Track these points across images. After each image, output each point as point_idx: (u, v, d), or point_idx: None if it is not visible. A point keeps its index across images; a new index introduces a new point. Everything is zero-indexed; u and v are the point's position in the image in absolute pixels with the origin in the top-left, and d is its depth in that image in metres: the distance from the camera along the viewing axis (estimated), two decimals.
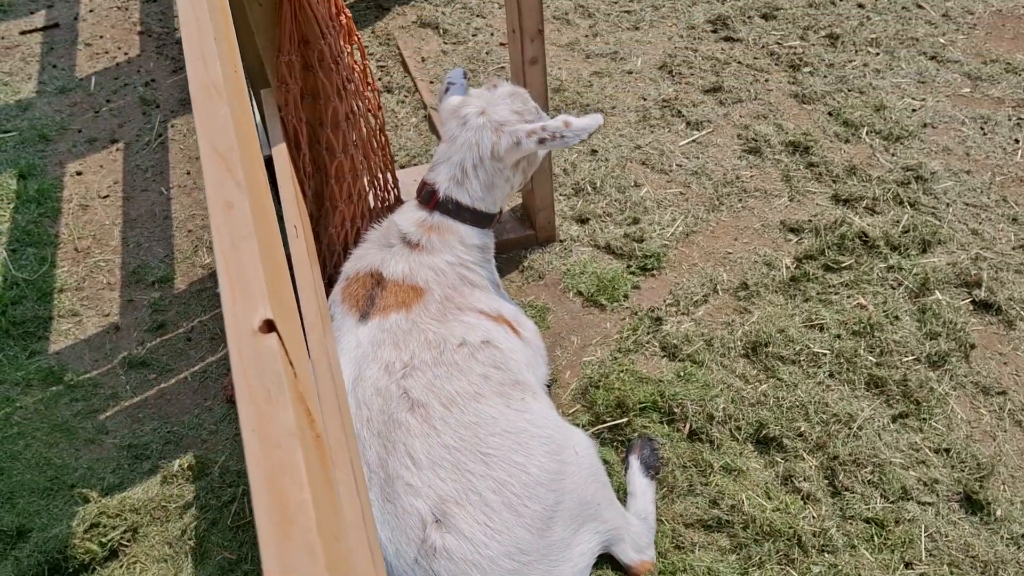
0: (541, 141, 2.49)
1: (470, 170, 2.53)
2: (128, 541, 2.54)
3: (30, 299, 3.29)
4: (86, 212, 3.68)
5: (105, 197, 3.75)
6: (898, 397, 2.75)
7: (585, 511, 2.21)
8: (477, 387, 2.19)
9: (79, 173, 3.88)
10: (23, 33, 4.80)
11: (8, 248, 3.49)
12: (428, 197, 2.53)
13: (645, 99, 3.98)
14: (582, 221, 3.43)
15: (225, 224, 0.85)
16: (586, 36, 4.39)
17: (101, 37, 4.75)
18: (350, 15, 2.60)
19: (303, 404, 0.78)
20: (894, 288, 3.07)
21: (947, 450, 2.61)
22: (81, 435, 2.84)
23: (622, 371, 2.86)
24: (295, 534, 0.62)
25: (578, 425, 2.73)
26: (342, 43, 2.52)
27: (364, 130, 2.69)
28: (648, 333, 3.01)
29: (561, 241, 3.35)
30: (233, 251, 0.82)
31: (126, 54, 4.62)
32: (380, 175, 2.84)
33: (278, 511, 0.64)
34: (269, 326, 0.77)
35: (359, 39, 2.65)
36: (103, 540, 2.51)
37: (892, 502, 2.50)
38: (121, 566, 2.49)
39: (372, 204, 2.82)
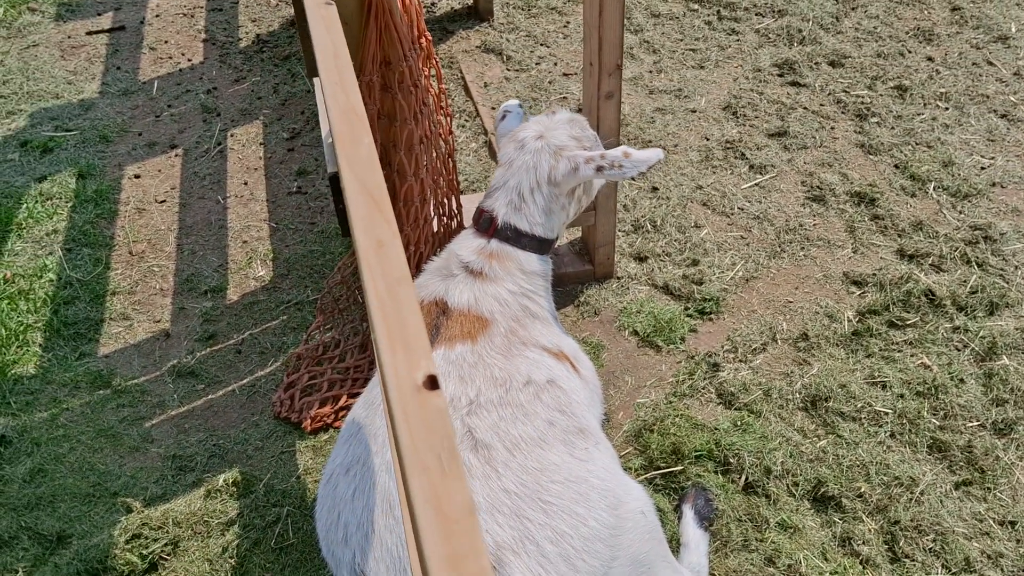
0: (599, 169, 2.46)
1: (527, 195, 2.49)
2: (168, 555, 2.50)
3: (83, 300, 3.28)
4: (142, 216, 3.68)
5: (162, 202, 3.75)
6: (962, 463, 2.67)
7: (638, 569, 2.15)
8: (542, 433, 2.14)
9: (137, 176, 3.89)
10: (89, 33, 4.85)
11: (64, 247, 3.50)
12: (487, 224, 2.50)
13: (708, 139, 3.93)
14: (640, 259, 3.38)
15: (379, 265, 0.81)
16: (650, 72, 4.36)
17: (166, 42, 4.79)
18: (430, 38, 2.59)
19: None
20: (959, 350, 2.99)
21: (1012, 523, 2.52)
22: (126, 442, 2.81)
23: (677, 416, 2.80)
24: None
25: (630, 469, 2.67)
26: (421, 66, 2.50)
27: (435, 154, 2.67)
28: (705, 379, 2.95)
29: (619, 278, 3.30)
30: (390, 296, 0.78)
31: (189, 60, 4.64)
32: (446, 200, 2.80)
33: None
34: (433, 382, 0.72)
35: (437, 62, 2.63)
36: (144, 552, 2.48)
37: (954, 573, 2.41)
38: None
39: (436, 229, 2.79)
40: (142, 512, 2.57)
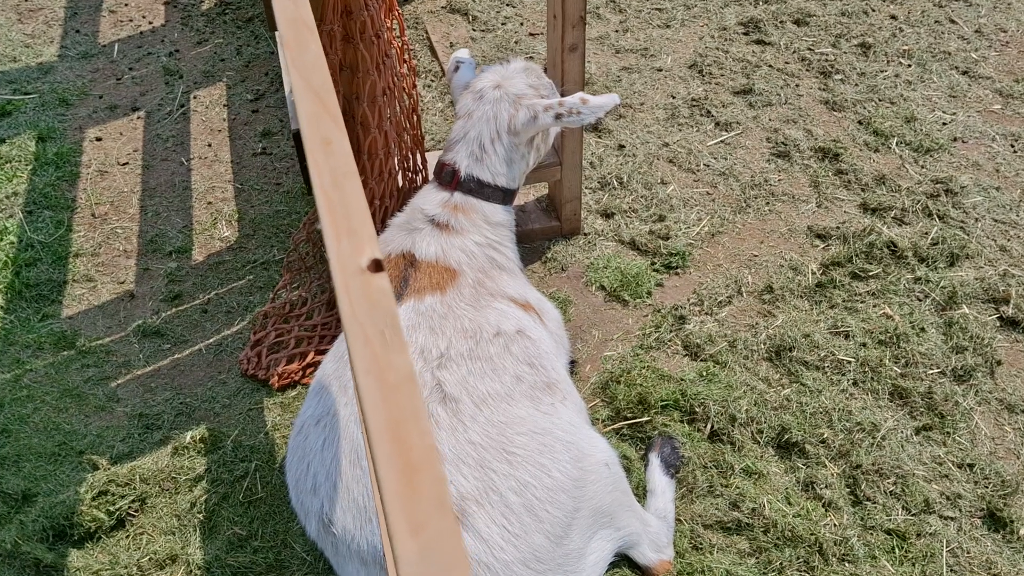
0: (558, 116, 2.48)
1: (488, 145, 2.50)
2: (136, 511, 2.49)
3: (44, 262, 3.24)
4: (104, 178, 3.63)
5: (124, 164, 3.70)
6: (922, 409, 2.72)
7: (600, 519, 2.17)
8: (509, 389, 2.15)
9: (99, 139, 3.83)
10: None
11: (24, 210, 3.45)
12: (449, 177, 2.50)
13: (674, 97, 3.94)
14: (607, 215, 3.39)
15: (325, 161, 0.81)
16: (616, 31, 4.35)
17: (126, 5, 4.70)
18: None
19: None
20: (921, 300, 3.03)
21: (971, 465, 2.57)
22: (91, 402, 2.79)
23: (644, 368, 2.82)
24: (423, 484, 0.58)
25: (598, 420, 2.69)
26: (383, 17, 2.48)
27: (398, 108, 2.65)
28: (671, 331, 2.97)
29: (586, 234, 3.31)
30: (336, 189, 0.77)
31: (151, 23, 4.57)
32: (410, 155, 2.79)
33: (402, 459, 0.59)
34: (377, 266, 0.72)
35: (400, 14, 2.61)
36: (111, 508, 2.47)
37: (914, 515, 2.46)
38: (127, 536, 2.45)
39: (401, 184, 2.78)
40: (108, 469, 2.56)
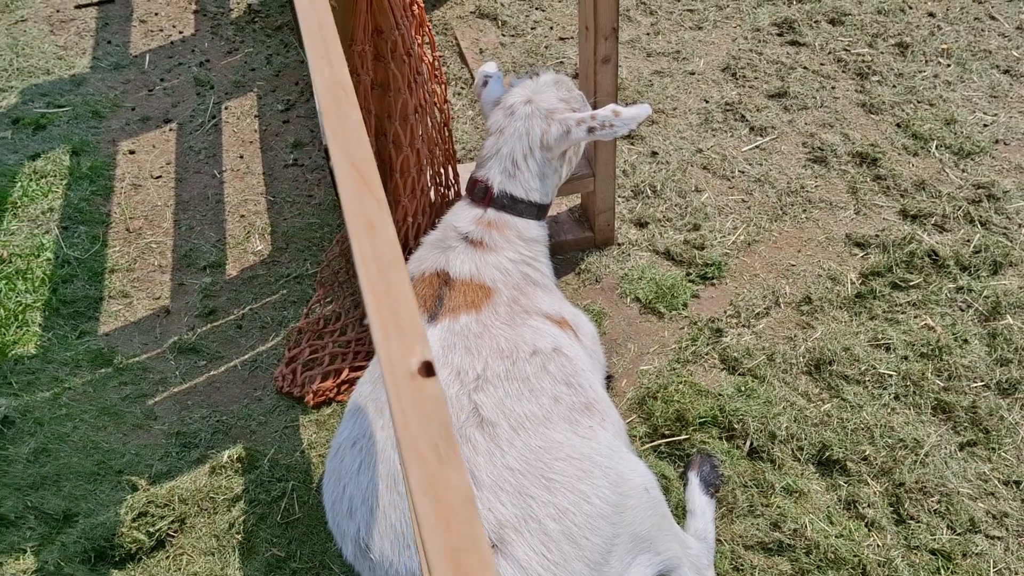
0: (591, 130, 2.46)
1: (521, 161, 2.48)
2: (175, 532, 2.50)
3: (81, 278, 3.26)
4: (138, 192, 3.65)
5: (158, 178, 3.71)
6: (966, 424, 2.66)
7: (640, 544, 2.15)
8: (547, 411, 2.13)
9: (132, 152, 3.85)
10: (78, 7, 4.78)
11: (60, 225, 3.47)
12: (482, 193, 2.48)
13: (707, 101, 3.89)
14: (641, 225, 3.35)
15: (370, 248, 0.79)
16: (647, 34, 4.30)
17: (156, 14, 4.72)
18: (423, 5, 2.54)
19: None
20: (963, 311, 2.97)
21: (1017, 482, 2.52)
22: (129, 420, 2.81)
23: (681, 383, 2.79)
24: None
25: (635, 437, 2.67)
26: (414, 34, 2.46)
27: (430, 123, 2.63)
28: (708, 344, 2.93)
29: (619, 245, 3.28)
30: (382, 281, 0.76)
31: (180, 32, 4.58)
32: (442, 170, 2.77)
33: None
34: (428, 369, 0.70)
35: (430, 30, 2.59)
36: (151, 530, 2.48)
37: (959, 534, 2.42)
38: (167, 557, 2.46)
39: (433, 200, 2.76)
40: (148, 490, 2.57)
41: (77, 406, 2.84)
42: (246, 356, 2.99)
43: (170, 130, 3.96)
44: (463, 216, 2.48)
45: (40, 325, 3.09)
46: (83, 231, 3.45)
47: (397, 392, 0.70)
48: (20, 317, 3.10)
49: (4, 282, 3.21)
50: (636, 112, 2.48)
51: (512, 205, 2.48)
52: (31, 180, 3.67)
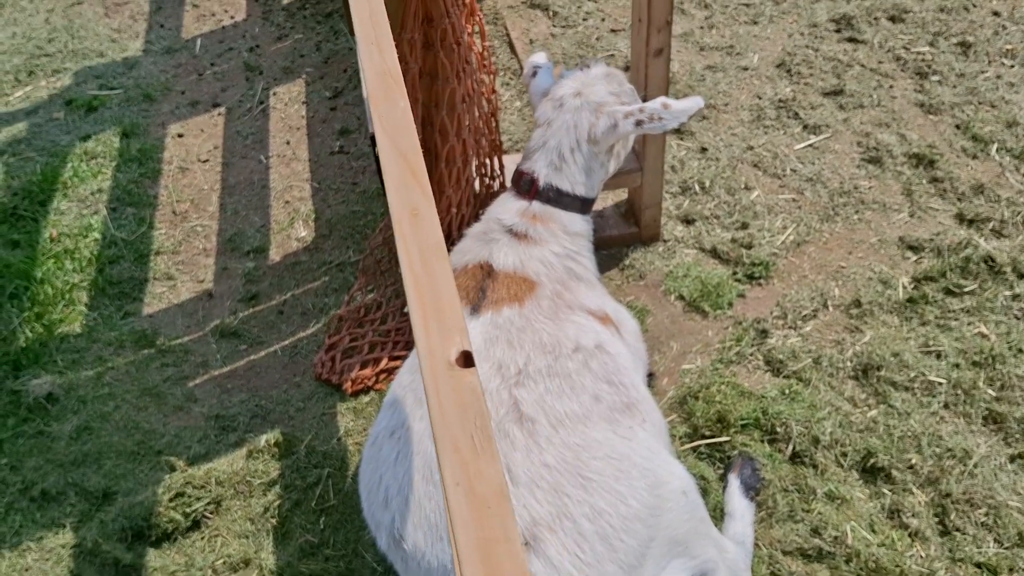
0: (639, 123, 2.40)
1: (567, 155, 2.44)
2: (211, 513, 2.52)
3: (127, 259, 3.29)
4: (185, 175, 3.68)
5: (205, 161, 3.74)
6: (1018, 435, 2.58)
7: (676, 548, 2.11)
8: (587, 409, 2.10)
9: (180, 135, 3.88)
10: None
11: (109, 206, 3.51)
12: (527, 186, 2.45)
13: (760, 98, 3.81)
14: (688, 222, 3.30)
15: (413, 236, 0.77)
16: (701, 28, 4.23)
17: None
18: None
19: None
20: (1019, 319, 2.88)
21: None
22: (170, 401, 2.83)
23: (723, 383, 2.74)
24: None
25: (675, 437, 2.62)
26: (464, 23, 2.43)
27: (477, 113, 2.61)
28: (752, 345, 2.88)
29: (665, 241, 3.23)
30: (425, 270, 0.74)
31: (232, 17, 4.61)
32: (488, 161, 2.75)
33: None
34: (467, 359, 0.68)
35: (481, 19, 2.56)
36: (187, 510, 2.50)
37: (1007, 548, 2.34)
38: (203, 538, 2.47)
39: (478, 191, 2.74)
40: (185, 471, 2.59)
41: (120, 386, 2.87)
42: (286, 342, 3.00)
43: (218, 114, 3.99)
44: (508, 208, 2.45)
45: (86, 304, 3.13)
46: (130, 213, 3.49)
47: (434, 381, 0.68)
48: (67, 296, 3.14)
49: (52, 261, 3.25)
50: (687, 105, 2.42)
51: (557, 198, 2.45)
52: (82, 161, 3.71)
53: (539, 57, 2.72)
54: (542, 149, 2.44)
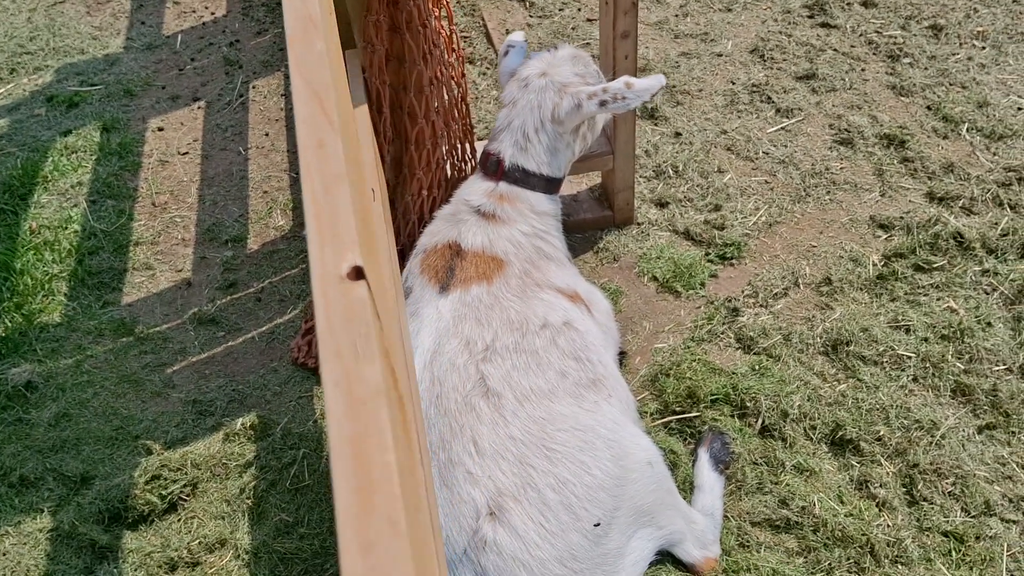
0: (602, 104, 2.42)
1: (532, 134, 2.46)
2: (187, 495, 2.54)
3: (106, 250, 3.32)
4: (165, 168, 3.71)
5: (184, 154, 3.77)
6: (986, 407, 2.61)
7: (642, 518, 2.14)
8: (553, 385, 2.13)
9: (160, 129, 3.91)
10: None
11: (88, 199, 3.54)
12: (494, 167, 2.47)
13: (734, 83, 3.85)
14: (661, 205, 3.33)
15: (317, 165, 0.80)
16: (676, 16, 4.27)
17: None
18: None
19: (388, 361, 0.72)
20: (988, 293, 2.92)
21: None
22: (148, 387, 2.86)
23: (694, 361, 2.77)
24: (377, 504, 0.57)
25: (646, 413, 2.65)
26: (431, 6, 2.46)
27: (446, 97, 2.64)
28: (724, 323, 2.91)
29: (639, 224, 3.26)
30: (325, 193, 0.76)
31: (212, 14, 4.64)
32: (459, 144, 2.78)
33: (360, 477, 0.58)
34: (358, 273, 0.71)
35: (448, 3, 2.59)
36: (163, 492, 2.52)
37: (973, 517, 2.37)
38: (179, 519, 2.50)
39: (449, 174, 2.77)
40: (162, 454, 2.62)
41: (99, 373, 2.90)
42: (264, 328, 3.03)
43: (198, 108, 4.02)
44: (475, 189, 2.48)
45: (65, 295, 3.15)
46: (110, 205, 3.51)
47: (325, 294, 0.70)
48: (46, 287, 3.17)
49: (32, 253, 3.28)
50: (649, 83, 2.44)
51: (524, 178, 2.48)
52: (62, 155, 3.74)
53: (516, 36, 2.73)
54: (507, 129, 2.47)
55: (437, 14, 2.53)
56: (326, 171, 0.78)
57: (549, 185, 2.50)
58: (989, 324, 2.82)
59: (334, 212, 0.75)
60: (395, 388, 0.72)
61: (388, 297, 1.72)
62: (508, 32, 4.17)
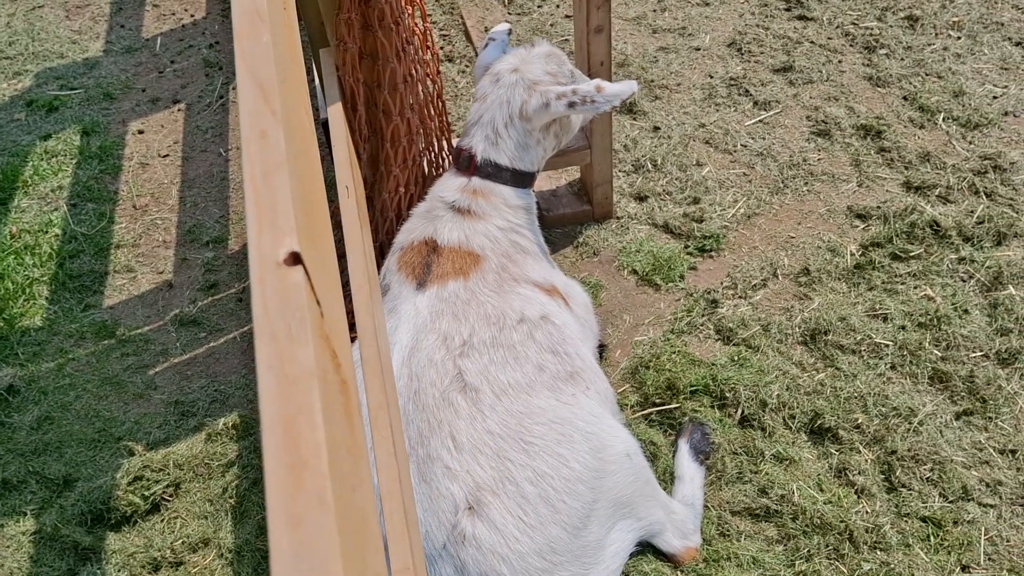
0: (571, 104, 2.40)
1: (502, 129, 2.46)
2: (170, 496, 2.55)
3: (87, 253, 3.32)
4: (145, 170, 3.71)
5: (165, 156, 3.77)
6: (963, 394, 2.63)
7: (621, 510, 2.16)
8: (531, 379, 2.14)
9: (141, 132, 3.91)
10: None
11: (69, 203, 3.53)
12: (466, 162, 2.47)
13: (712, 76, 3.87)
14: (641, 199, 3.35)
15: (258, 153, 0.81)
16: (654, 10, 4.29)
17: None
18: None
19: (328, 344, 0.73)
20: (964, 280, 2.94)
21: (1013, 451, 2.49)
22: (130, 389, 2.86)
23: (674, 352, 2.78)
24: (305, 479, 0.58)
25: (627, 406, 2.67)
26: (403, 3, 2.47)
27: (421, 94, 2.65)
28: (703, 315, 2.93)
29: (618, 218, 3.27)
30: (264, 181, 0.77)
31: (192, 16, 4.64)
32: (436, 141, 2.79)
33: (289, 453, 0.60)
34: (295, 259, 0.72)
35: (421, 1, 2.60)
36: (146, 493, 2.53)
37: (951, 502, 2.39)
38: (162, 520, 2.50)
39: (426, 171, 2.78)
40: (144, 455, 2.62)
41: (80, 376, 2.90)
42: (245, 328, 3.03)
43: (179, 111, 4.02)
44: (449, 185, 2.49)
45: (47, 298, 3.15)
46: (91, 208, 3.51)
47: (262, 279, 0.72)
48: (27, 290, 3.17)
49: (13, 257, 3.28)
50: (620, 88, 2.42)
51: (497, 173, 2.48)
52: (42, 159, 3.74)
53: (500, 28, 2.73)
54: (478, 124, 2.48)
55: (411, 12, 2.54)
56: (267, 160, 0.79)
57: (523, 179, 2.50)
58: (966, 311, 2.84)
59: (273, 199, 0.76)
60: (336, 372, 0.73)
61: (362, 296, 1.73)
62: (487, 30, 4.18)
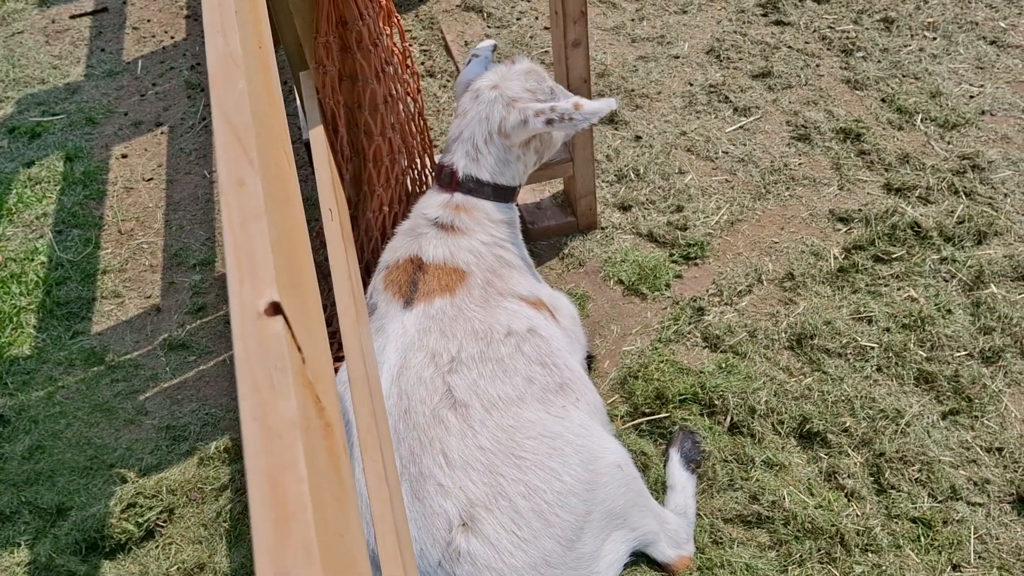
0: (549, 122, 2.42)
1: (482, 145, 2.48)
2: (164, 522, 2.55)
3: (74, 280, 3.32)
4: (130, 195, 3.71)
5: (149, 180, 3.77)
6: (949, 393, 2.66)
7: (614, 521, 2.17)
8: (520, 392, 2.15)
9: (124, 156, 3.91)
10: (73, 17, 4.86)
11: (54, 230, 3.53)
12: (448, 178, 2.49)
13: (692, 84, 3.90)
14: (624, 208, 3.37)
15: (236, 202, 0.82)
16: (632, 20, 4.32)
17: (148, 21, 4.79)
18: None
19: (311, 391, 0.75)
20: (947, 280, 2.97)
21: (1000, 449, 2.52)
22: (121, 416, 2.86)
23: (662, 361, 2.80)
24: (292, 531, 0.59)
25: (616, 416, 2.69)
26: (381, 25, 2.49)
27: (403, 113, 2.66)
28: (690, 323, 2.95)
29: (603, 228, 3.29)
30: (242, 231, 0.79)
31: (172, 38, 4.64)
32: (418, 159, 2.80)
33: (275, 507, 0.61)
34: (275, 309, 0.73)
35: (399, 21, 2.62)
36: (139, 520, 2.53)
37: (940, 502, 2.42)
38: (157, 546, 2.51)
39: (410, 189, 2.79)
40: (137, 482, 2.62)
41: (71, 404, 2.90)
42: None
43: (162, 133, 4.02)
44: (432, 202, 2.50)
45: (35, 327, 3.15)
46: (76, 234, 3.51)
47: (243, 329, 0.73)
48: (15, 319, 3.16)
49: None
50: (599, 106, 2.44)
51: (478, 188, 2.49)
52: (26, 187, 3.74)
53: (484, 44, 2.74)
54: (459, 140, 2.50)
55: (388, 32, 2.56)
56: (245, 209, 0.80)
57: (505, 194, 2.52)
58: (949, 311, 2.87)
59: (251, 248, 0.77)
60: (319, 417, 0.74)
61: (348, 318, 1.75)
62: (467, 44, 4.20)
